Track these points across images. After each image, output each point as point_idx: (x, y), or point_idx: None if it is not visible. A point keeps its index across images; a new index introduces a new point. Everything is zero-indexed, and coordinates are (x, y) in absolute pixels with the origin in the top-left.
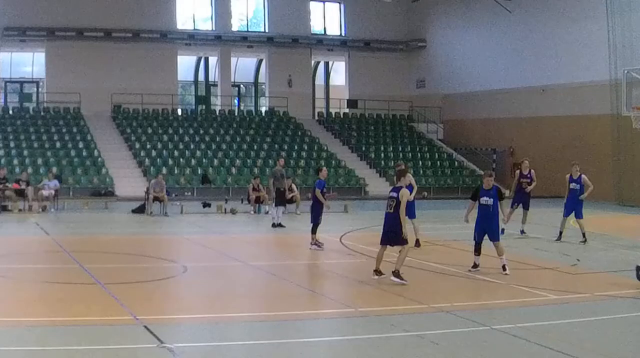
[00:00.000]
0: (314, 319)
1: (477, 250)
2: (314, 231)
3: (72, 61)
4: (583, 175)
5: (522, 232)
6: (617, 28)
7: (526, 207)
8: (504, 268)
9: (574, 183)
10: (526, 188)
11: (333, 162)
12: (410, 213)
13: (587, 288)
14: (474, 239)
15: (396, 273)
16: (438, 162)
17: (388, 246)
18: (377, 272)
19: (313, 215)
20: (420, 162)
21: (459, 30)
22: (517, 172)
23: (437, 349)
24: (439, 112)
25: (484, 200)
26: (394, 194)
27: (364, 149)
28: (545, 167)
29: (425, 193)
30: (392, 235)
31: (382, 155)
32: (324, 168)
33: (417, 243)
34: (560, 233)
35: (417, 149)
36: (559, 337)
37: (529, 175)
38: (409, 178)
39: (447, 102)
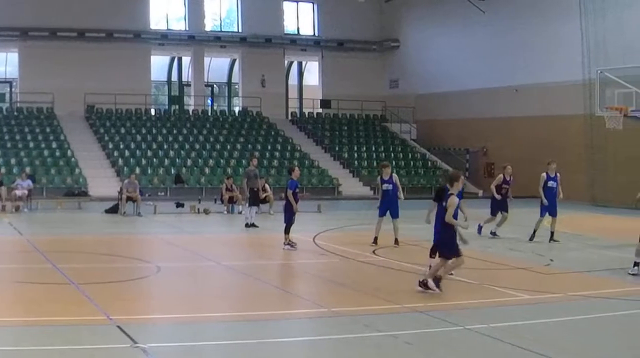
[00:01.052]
0: (287, 319)
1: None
2: (287, 231)
3: (45, 61)
4: (558, 174)
5: (495, 234)
6: (591, 28)
7: (506, 211)
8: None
9: (551, 182)
10: (508, 194)
11: (306, 162)
12: (395, 213)
13: (560, 288)
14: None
15: (428, 282)
16: (411, 162)
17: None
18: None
19: (286, 215)
20: (394, 162)
21: (432, 30)
22: (501, 176)
23: (411, 349)
24: (412, 112)
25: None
26: (444, 203)
27: (337, 148)
28: (518, 167)
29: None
30: (442, 247)
31: (356, 155)
32: (297, 168)
33: (396, 243)
34: (534, 232)
35: (391, 149)
36: (532, 336)
37: (510, 181)
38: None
39: (420, 102)
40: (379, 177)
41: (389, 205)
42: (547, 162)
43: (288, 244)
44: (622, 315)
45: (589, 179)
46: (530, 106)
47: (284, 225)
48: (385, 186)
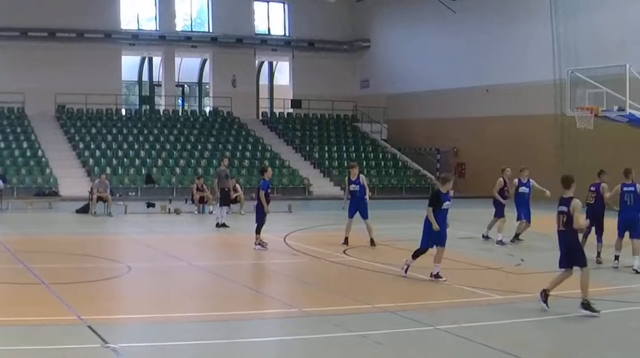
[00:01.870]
0: (257, 319)
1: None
2: (258, 231)
3: (15, 61)
4: (531, 180)
5: (488, 237)
6: (561, 29)
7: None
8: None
9: (523, 187)
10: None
11: (277, 162)
12: (364, 214)
13: (531, 288)
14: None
15: (586, 305)
16: (382, 162)
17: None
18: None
19: (257, 215)
20: (365, 162)
21: (403, 30)
22: (501, 180)
23: (381, 349)
24: (383, 112)
25: (446, 204)
26: (564, 208)
27: (308, 148)
28: (489, 167)
29: (370, 194)
30: (573, 255)
31: (326, 155)
32: (269, 168)
33: (372, 243)
34: (516, 235)
35: (361, 149)
36: (503, 336)
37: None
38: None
39: (391, 102)
40: (346, 178)
41: (357, 206)
42: (519, 169)
43: (259, 244)
44: (592, 314)
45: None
46: (501, 106)
47: (255, 225)
48: (352, 187)
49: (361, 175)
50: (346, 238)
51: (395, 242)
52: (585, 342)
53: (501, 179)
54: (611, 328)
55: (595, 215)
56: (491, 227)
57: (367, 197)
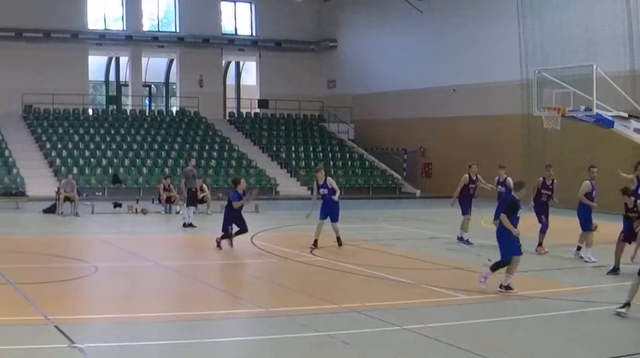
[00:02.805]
0: (224, 319)
1: None
2: (226, 232)
3: None
4: (509, 178)
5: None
6: (528, 28)
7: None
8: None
9: (499, 187)
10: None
11: (244, 162)
12: (334, 217)
13: (497, 288)
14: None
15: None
16: (349, 162)
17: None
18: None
19: (225, 223)
20: (332, 162)
21: (370, 30)
22: (466, 176)
23: (348, 349)
24: (350, 112)
25: (520, 212)
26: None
27: (275, 149)
28: (456, 167)
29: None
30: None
31: (293, 155)
32: (242, 180)
33: (339, 242)
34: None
35: (328, 149)
36: (469, 336)
37: (476, 180)
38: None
39: (358, 102)
40: (315, 182)
41: (329, 210)
42: (498, 166)
43: (218, 244)
44: (560, 314)
45: (527, 179)
46: (468, 106)
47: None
48: (321, 191)
49: (328, 178)
50: (315, 241)
51: (361, 242)
52: (552, 342)
53: (466, 175)
54: (579, 328)
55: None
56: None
57: (335, 197)
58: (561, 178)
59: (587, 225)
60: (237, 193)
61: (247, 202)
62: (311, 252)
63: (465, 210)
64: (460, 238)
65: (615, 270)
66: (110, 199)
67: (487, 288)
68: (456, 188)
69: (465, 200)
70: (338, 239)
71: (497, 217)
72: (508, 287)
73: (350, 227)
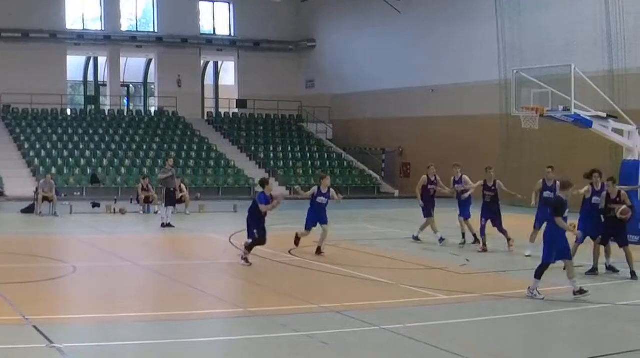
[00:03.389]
0: (203, 319)
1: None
2: (250, 247)
3: None
4: (464, 176)
5: (417, 238)
6: (507, 28)
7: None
8: None
9: (457, 185)
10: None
11: (222, 162)
12: (324, 220)
13: (475, 288)
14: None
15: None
16: (327, 162)
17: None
18: None
19: (250, 229)
20: (310, 162)
21: (348, 30)
22: (425, 177)
23: (327, 349)
24: (329, 112)
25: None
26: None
27: (253, 149)
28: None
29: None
30: None
31: (272, 155)
32: (270, 181)
33: (318, 251)
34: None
35: (307, 149)
36: (448, 336)
37: (435, 181)
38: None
39: (336, 102)
40: (315, 188)
41: (318, 218)
42: (453, 164)
43: (244, 260)
44: (536, 314)
45: (505, 179)
46: (446, 106)
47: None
48: (320, 199)
49: (332, 189)
50: (299, 240)
51: (340, 242)
52: (532, 342)
53: (425, 176)
54: (559, 328)
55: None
56: (424, 229)
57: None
58: (539, 178)
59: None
60: (265, 195)
61: (272, 208)
62: (289, 252)
63: (428, 213)
64: (416, 238)
65: (593, 271)
66: (88, 199)
67: (536, 294)
68: (416, 190)
69: (427, 202)
70: (318, 249)
71: (467, 216)
72: (581, 291)
73: (329, 227)
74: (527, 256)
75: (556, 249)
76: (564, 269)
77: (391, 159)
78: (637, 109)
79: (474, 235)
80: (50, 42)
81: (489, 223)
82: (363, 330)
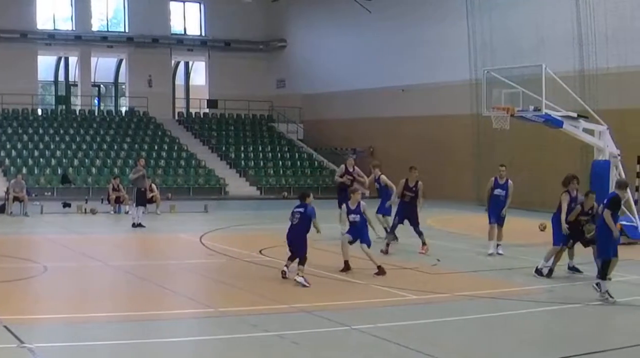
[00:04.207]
0: (174, 319)
1: None
2: (302, 262)
3: None
4: (382, 176)
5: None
6: (477, 28)
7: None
8: None
9: (376, 184)
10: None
11: (193, 162)
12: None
13: (446, 288)
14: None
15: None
16: (298, 162)
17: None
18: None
19: (301, 246)
20: (280, 162)
21: (319, 30)
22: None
23: (298, 349)
24: (299, 112)
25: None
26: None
27: (224, 149)
28: (406, 167)
29: (285, 194)
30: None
31: (242, 155)
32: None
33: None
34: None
35: (277, 149)
36: (419, 336)
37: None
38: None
39: (307, 102)
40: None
41: (359, 234)
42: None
43: (302, 277)
44: (507, 314)
45: (476, 179)
46: (417, 106)
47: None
48: (352, 217)
49: (362, 202)
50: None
51: (312, 242)
52: (502, 342)
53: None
54: (529, 328)
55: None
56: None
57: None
58: (510, 177)
59: (491, 218)
60: (312, 208)
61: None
62: (260, 252)
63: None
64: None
65: (549, 272)
66: (59, 199)
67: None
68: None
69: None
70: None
71: (381, 212)
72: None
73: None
74: (489, 255)
75: (613, 243)
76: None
77: (362, 159)
78: (607, 109)
79: (385, 229)
80: (21, 42)
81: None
82: (334, 330)
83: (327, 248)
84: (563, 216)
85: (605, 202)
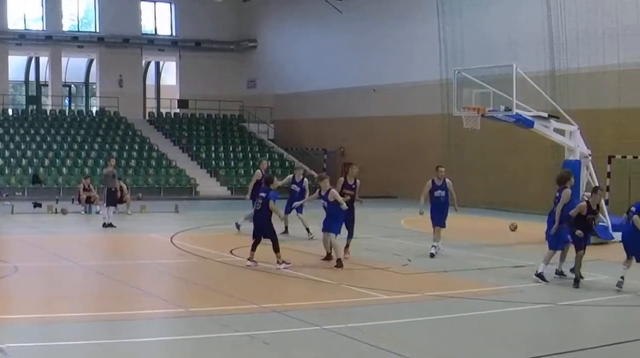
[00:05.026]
0: (144, 319)
1: None
2: (276, 249)
3: None
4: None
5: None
6: (448, 28)
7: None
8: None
9: (294, 186)
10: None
11: (164, 162)
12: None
13: (418, 289)
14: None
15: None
16: (269, 162)
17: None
18: None
19: (268, 230)
20: (251, 162)
21: (290, 30)
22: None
23: (268, 349)
24: (270, 112)
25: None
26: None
27: (194, 149)
28: (377, 167)
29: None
30: None
31: (213, 155)
32: (275, 178)
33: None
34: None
35: (248, 149)
36: (389, 336)
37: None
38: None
39: (278, 102)
40: (318, 191)
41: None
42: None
43: (283, 263)
44: (478, 314)
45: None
46: (388, 106)
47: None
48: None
49: (332, 190)
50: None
51: (281, 242)
52: (472, 342)
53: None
54: (495, 328)
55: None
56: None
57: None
58: (481, 178)
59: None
60: (273, 192)
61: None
62: (231, 252)
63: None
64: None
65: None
66: (30, 199)
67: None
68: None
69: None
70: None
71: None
72: None
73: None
74: (431, 254)
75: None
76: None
77: (333, 159)
78: (578, 109)
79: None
80: None
81: None
82: (305, 330)
83: (296, 248)
84: (575, 212)
85: (635, 208)
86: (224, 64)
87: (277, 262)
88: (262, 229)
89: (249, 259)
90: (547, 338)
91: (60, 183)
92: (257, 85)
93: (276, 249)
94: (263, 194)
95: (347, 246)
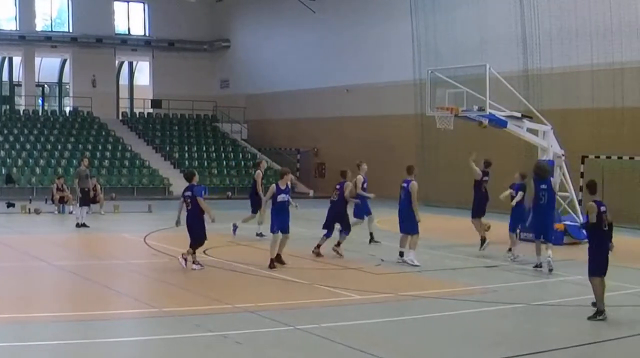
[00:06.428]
0: (117, 319)
1: None
2: (193, 247)
3: None
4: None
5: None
6: (421, 28)
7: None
8: None
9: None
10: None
11: (137, 162)
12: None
13: (390, 288)
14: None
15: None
16: (242, 162)
17: None
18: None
19: (194, 230)
20: (225, 162)
21: (263, 30)
22: (361, 177)
23: (241, 349)
24: (243, 112)
25: None
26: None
27: (168, 148)
28: (350, 167)
29: (230, 193)
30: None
31: (186, 155)
32: (196, 174)
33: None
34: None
35: (221, 148)
36: (363, 336)
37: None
38: None
39: (251, 102)
40: (273, 185)
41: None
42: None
43: (195, 263)
44: (451, 314)
45: (421, 179)
46: (361, 106)
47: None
48: (281, 197)
49: (288, 183)
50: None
51: (254, 241)
52: (445, 342)
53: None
54: (468, 328)
55: (338, 212)
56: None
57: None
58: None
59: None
60: (200, 186)
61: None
62: (204, 252)
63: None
64: (260, 234)
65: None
66: (3, 199)
67: None
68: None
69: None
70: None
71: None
72: None
73: (244, 227)
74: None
75: None
76: None
77: (306, 159)
78: (551, 109)
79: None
80: None
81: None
82: (278, 330)
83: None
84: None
85: None
86: (197, 64)
87: (182, 256)
88: (194, 230)
89: (192, 261)
90: (520, 338)
91: (33, 183)
92: (230, 85)
93: (194, 247)
94: (189, 193)
95: (339, 243)
